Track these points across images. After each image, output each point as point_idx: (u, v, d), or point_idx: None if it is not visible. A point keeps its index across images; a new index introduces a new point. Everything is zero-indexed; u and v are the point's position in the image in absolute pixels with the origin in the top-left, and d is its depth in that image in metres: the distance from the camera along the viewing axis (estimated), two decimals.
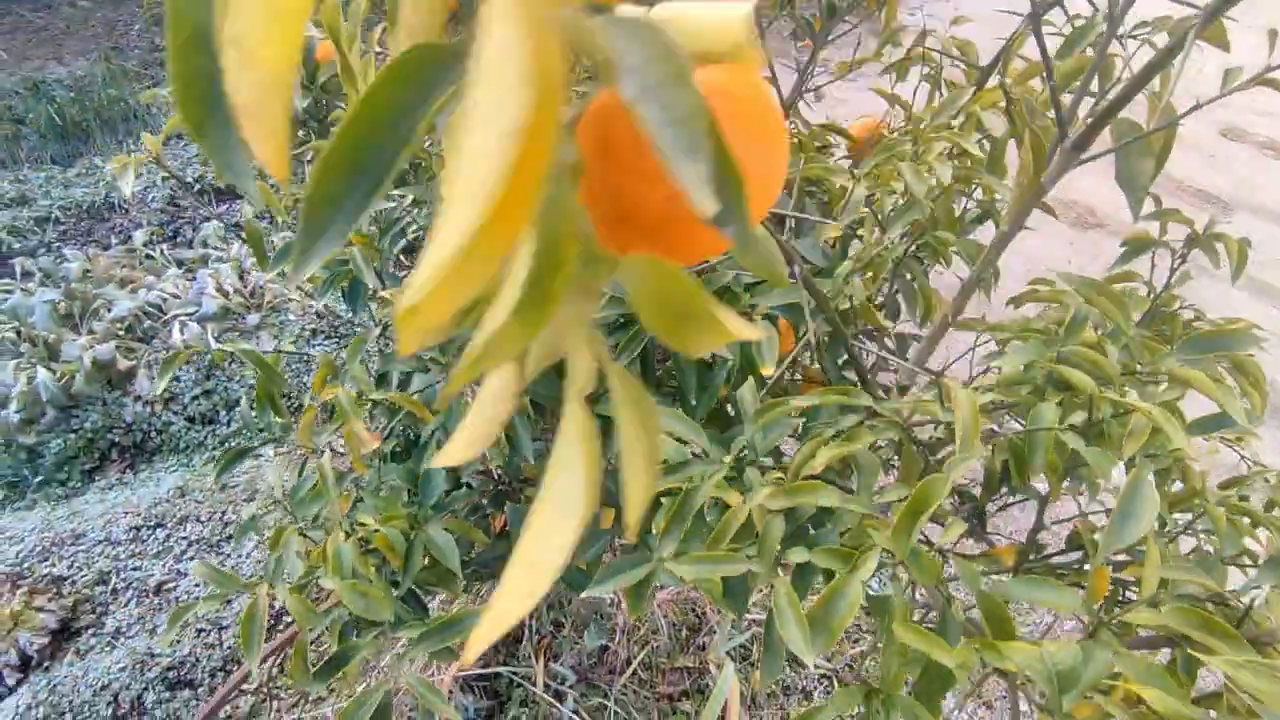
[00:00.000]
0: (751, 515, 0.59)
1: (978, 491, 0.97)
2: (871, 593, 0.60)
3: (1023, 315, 0.87)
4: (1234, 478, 0.85)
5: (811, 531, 0.60)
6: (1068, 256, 3.48)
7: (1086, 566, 0.86)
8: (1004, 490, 0.89)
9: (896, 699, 0.52)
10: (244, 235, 0.88)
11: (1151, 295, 0.82)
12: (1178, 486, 0.71)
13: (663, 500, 0.71)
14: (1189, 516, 0.74)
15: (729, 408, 1.07)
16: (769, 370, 0.75)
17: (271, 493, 0.96)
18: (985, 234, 1.26)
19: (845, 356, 1.25)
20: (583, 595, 0.76)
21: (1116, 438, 0.53)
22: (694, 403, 0.82)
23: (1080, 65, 0.66)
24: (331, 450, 0.97)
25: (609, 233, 0.31)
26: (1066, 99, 0.67)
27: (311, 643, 1.68)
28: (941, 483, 0.50)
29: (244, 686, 2.10)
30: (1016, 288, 1.05)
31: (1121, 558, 0.68)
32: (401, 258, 1.11)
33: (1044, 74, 0.55)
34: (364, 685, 1.87)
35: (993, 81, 0.96)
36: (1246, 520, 0.65)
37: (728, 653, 2.04)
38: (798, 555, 0.55)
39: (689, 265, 0.31)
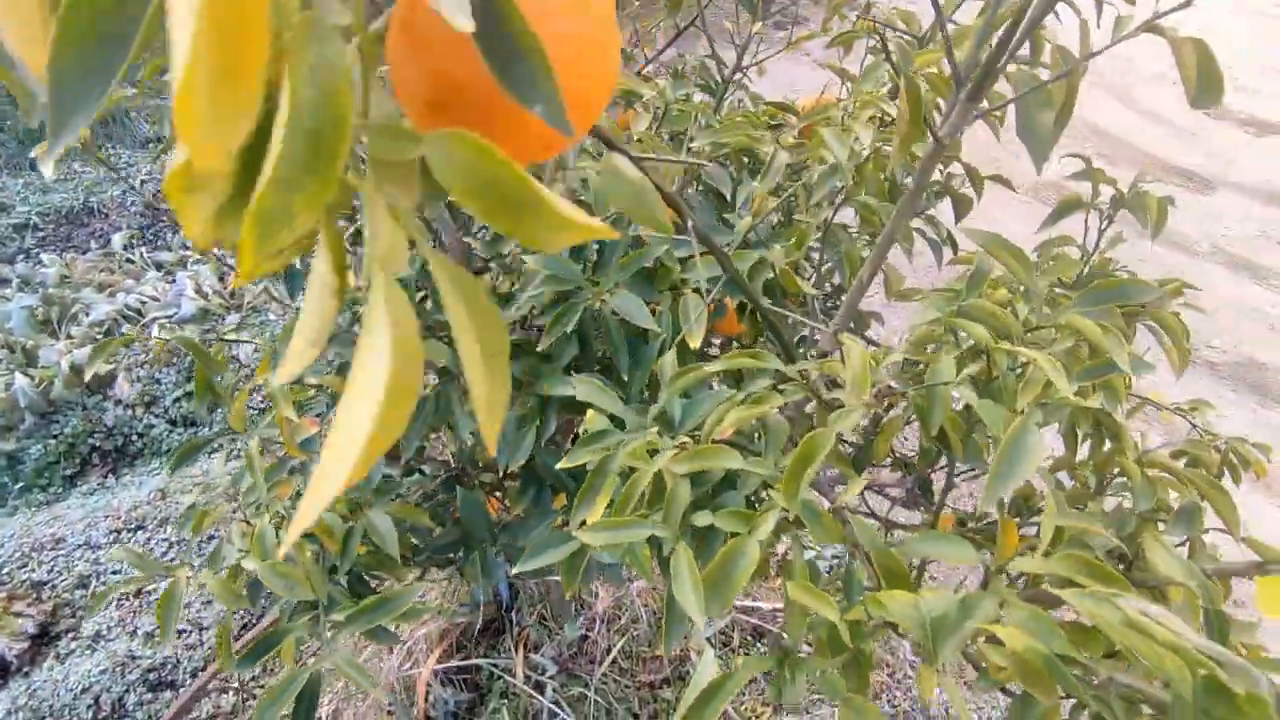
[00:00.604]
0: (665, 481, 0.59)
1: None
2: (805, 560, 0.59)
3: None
4: (1188, 442, 0.85)
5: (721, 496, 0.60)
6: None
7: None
8: (943, 464, 0.89)
9: (802, 660, 0.52)
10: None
11: (1084, 258, 0.82)
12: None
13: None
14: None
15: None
16: (695, 341, 0.75)
17: (215, 482, 0.96)
18: (944, 212, 1.26)
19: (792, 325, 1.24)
20: (514, 572, 0.76)
21: (1013, 391, 0.53)
22: (626, 379, 0.81)
23: (992, 25, 0.66)
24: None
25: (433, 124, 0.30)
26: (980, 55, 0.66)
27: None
28: (826, 437, 0.50)
29: (229, 686, 2.10)
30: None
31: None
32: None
33: (941, 35, 0.54)
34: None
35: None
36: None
37: (708, 639, 2.04)
38: (702, 519, 0.55)
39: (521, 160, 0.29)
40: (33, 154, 0.86)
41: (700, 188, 0.89)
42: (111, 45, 0.20)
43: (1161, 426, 2.32)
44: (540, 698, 1.89)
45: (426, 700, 1.87)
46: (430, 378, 1.01)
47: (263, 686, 2.07)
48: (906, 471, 0.97)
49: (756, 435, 0.61)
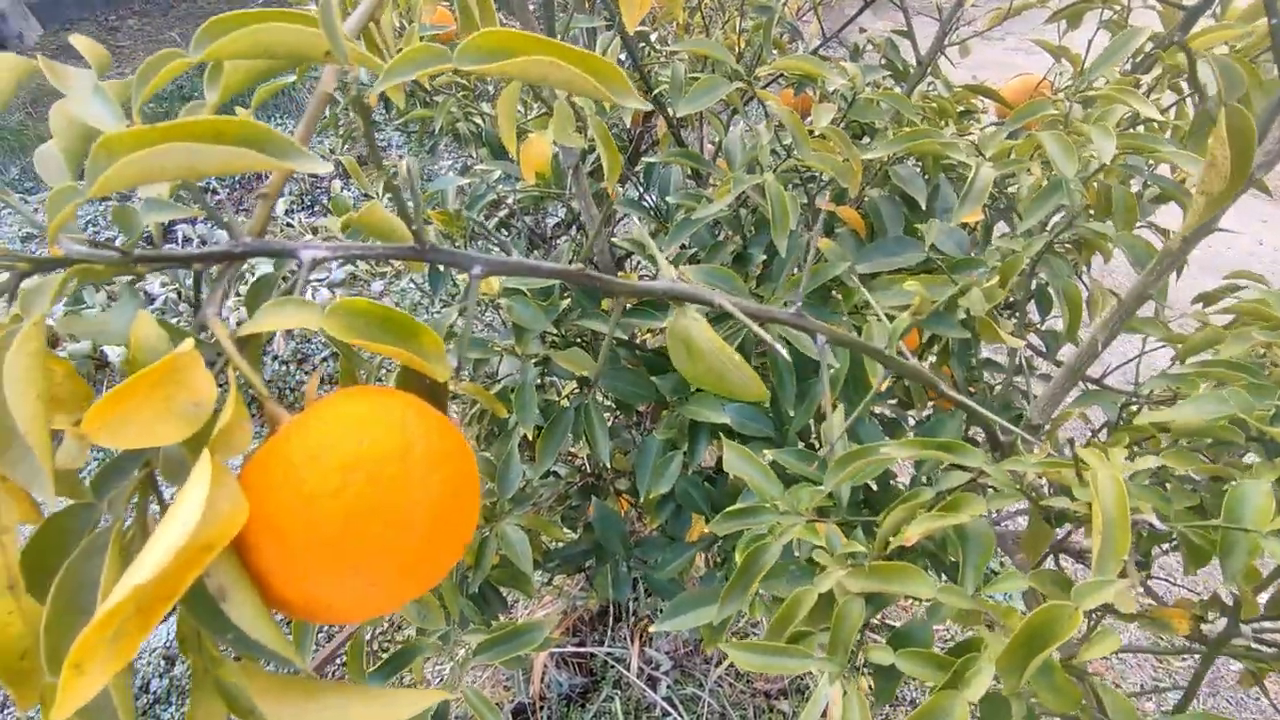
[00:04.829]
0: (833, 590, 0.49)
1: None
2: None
3: (1211, 323, 0.70)
4: None
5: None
6: None
7: None
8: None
9: None
10: None
11: None
12: None
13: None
14: None
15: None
16: (875, 379, 0.64)
17: None
18: (1170, 216, 1.05)
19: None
20: (653, 630, 0.69)
21: None
22: (790, 413, 0.72)
23: None
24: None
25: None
26: None
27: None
28: (1071, 617, 0.38)
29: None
30: (1211, 279, 0.86)
31: None
32: (499, 231, 1.07)
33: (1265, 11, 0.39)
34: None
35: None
36: None
37: None
38: (880, 656, 0.44)
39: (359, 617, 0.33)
40: None
41: (888, 190, 0.77)
42: None
43: None
44: (653, 693, 1.86)
45: (542, 680, 1.89)
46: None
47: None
48: None
49: (949, 543, 0.50)
